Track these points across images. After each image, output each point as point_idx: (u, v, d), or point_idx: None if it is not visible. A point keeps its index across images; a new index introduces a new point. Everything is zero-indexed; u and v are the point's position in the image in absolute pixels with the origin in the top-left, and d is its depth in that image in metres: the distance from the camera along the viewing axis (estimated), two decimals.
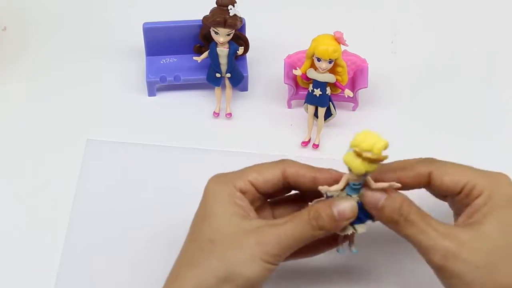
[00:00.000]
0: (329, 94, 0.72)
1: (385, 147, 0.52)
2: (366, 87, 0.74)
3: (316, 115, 0.74)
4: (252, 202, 0.59)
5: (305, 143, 0.74)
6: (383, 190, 0.55)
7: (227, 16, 0.70)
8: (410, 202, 0.56)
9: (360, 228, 0.57)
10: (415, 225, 0.55)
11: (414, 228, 0.55)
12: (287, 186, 0.60)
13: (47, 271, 0.66)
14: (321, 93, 0.72)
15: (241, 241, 0.55)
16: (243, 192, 0.58)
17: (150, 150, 0.73)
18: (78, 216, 0.69)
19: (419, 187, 0.59)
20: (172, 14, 0.77)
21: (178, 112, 0.77)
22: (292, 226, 0.55)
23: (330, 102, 0.73)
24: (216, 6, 0.71)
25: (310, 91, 0.73)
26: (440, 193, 0.59)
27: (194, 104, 0.77)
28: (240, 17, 0.72)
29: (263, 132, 0.75)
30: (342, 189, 0.56)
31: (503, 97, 0.78)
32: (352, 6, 0.85)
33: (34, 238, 0.68)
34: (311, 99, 0.73)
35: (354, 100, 0.75)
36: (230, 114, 0.76)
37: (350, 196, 0.56)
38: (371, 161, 0.52)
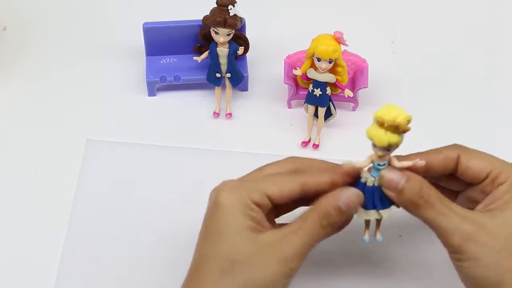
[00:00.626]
0: (329, 94, 0.72)
1: (409, 119, 0.52)
2: (366, 87, 0.74)
3: (316, 115, 0.74)
4: (264, 212, 0.57)
5: (305, 143, 0.74)
6: (407, 169, 0.55)
7: (227, 16, 0.70)
8: (430, 185, 0.55)
9: (385, 213, 0.56)
10: (435, 207, 0.55)
11: (434, 211, 0.55)
12: (304, 197, 0.58)
13: (47, 271, 0.66)
14: (321, 93, 0.72)
15: (262, 260, 0.54)
16: (258, 205, 0.56)
17: (150, 150, 0.73)
18: (78, 216, 0.69)
19: (446, 172, 0.59)
20: (172, 14, 0.77)
21: (178, 112, 0.77)
22: (307, 232, 0.55)
23: (330, 102, 0.73)
24: (216, 6, 0.71)
25: (310, 91, 0.73)
26: (465, 178, 0.59)
27: (194, 104, 0.77)
28: (240, 17, 0.72)
29: (263, 132, 0.75)
30: (368, 171, 0.56)
31: (503, 97, 0.78)
32: (352, 6, 0.85)
33: (34, 238, 0.68)
34: (311, 99, 0.73)
35: (354, 100, 0.75)
36: (230, 114, 0.76)
37: (374, 178, 0.55)
38: (394, 130, 0.52)
